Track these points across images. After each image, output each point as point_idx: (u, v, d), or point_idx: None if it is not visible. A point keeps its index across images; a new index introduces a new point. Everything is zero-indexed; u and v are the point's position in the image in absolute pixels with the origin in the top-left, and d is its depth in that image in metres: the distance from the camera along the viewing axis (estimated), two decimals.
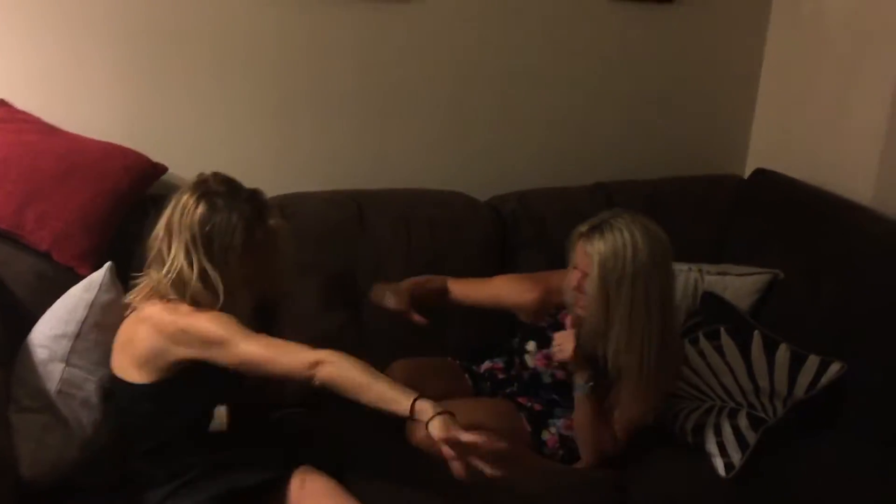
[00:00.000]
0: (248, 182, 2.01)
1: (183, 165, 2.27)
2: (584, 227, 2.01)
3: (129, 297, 1.88)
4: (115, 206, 2.16)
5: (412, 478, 1.93)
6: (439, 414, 1.66)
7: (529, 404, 2.18)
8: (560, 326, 2.13)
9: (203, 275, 1.78)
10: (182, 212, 1.79)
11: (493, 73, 2.68)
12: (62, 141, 2.21)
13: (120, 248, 2.11)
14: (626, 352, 1.98)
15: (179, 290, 1.80)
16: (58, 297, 1.97)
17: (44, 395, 1.88)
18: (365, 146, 2.61)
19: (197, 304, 1.79)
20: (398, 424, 1.99)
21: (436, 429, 1.65)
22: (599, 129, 2.85)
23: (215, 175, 1.86)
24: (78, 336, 1.93)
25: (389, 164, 2.64)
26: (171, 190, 1.95)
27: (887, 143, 2.48)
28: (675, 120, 2.93)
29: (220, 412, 1.87)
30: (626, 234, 1.94)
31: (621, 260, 1.93)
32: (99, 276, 2.00)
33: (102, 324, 1.95)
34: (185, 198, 1.81)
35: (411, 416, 1.68)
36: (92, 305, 1.95)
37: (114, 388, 1.90)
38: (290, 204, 2.37)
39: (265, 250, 1.85)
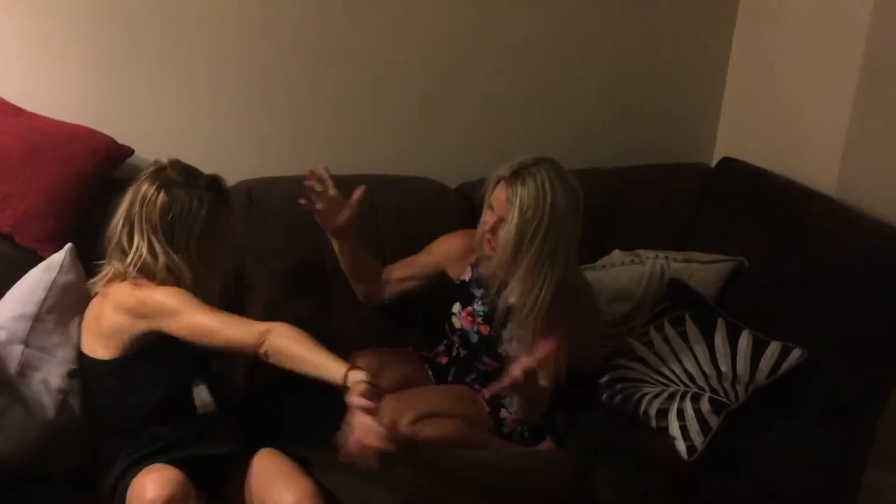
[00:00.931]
0: (215, 165, 2.02)
1: (149, 148, 2.25)
2: (505, 172, 2.02)
3: (92, 283, 1.89)
4: (79, 189, 2.14)
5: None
6: (365, 382, 1.67)
7: (480, 387, 2.20)
8: (482, 280, 2.17)
9: (168, 263, 1.81)
10: (142, 202, 1.82)
11: (464, 61, 2.68)
12: (26, 122, 2.19)
13: (85, 231, 2.09)
14: (520, 297, 2.01)
15: (146, 276, 1.83)
16: (19, 278, 1.96)
17: (2, 376, 1.86)
18: (334, 131, 2.61)
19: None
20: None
21: (352, 394, 1.66)
22: (568, 117, 2.85)
23: (173, 163, 1.88)
24: (37, 317, 1.92)
25: (359, 149, 2.63)
26: (136, 173, 1.96)
27: (849, 135, 2.50)
28: (644, 109, 2.94)
29: (203, 393, 1.89)
30: (547, 184, 1.98)
31: (540, 209, 1.96)
32: (59, 257, 1.99)
33: (62, 305, 1.94)
34: (144, 187, 1.83)
35: (344, 385, 1.68)
36: (51, 287, 1.95)
37: (83, 366, 1.91)
38: (258, 188, 2.37)
39: (227, 234, 1.87)
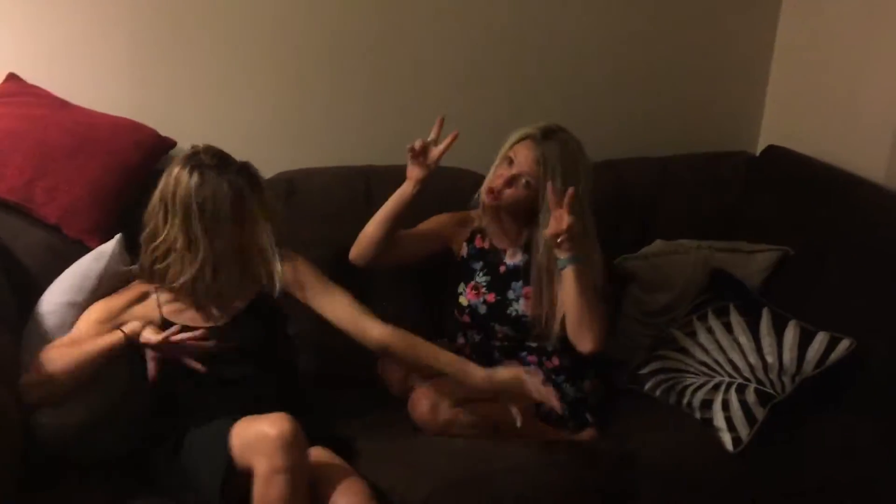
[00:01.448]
0: (255, 155, 2.04)
1: (191, 139, 2.22)
2: (533, 130, 2.09)
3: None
4: (124, 181, 2.17)
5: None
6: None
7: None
8: (479, 252, 2.23)
9: (193, 244, 1.84)
10: (175, 184, 1.84)
11: (501, 51, 2.67)
12: (72, 115, 2.21)
13: (130, 222, 2.11)
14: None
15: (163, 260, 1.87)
16: (66, 269, 1.98)
17: None
18: (372, 122, 2.61)
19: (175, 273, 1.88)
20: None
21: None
22: (611, 107, 2.83)
23: (206, 148, 1.90)
24: (87, 305, 1.94)
25: (397, 140, 2.61)
26: None
27: None
28: (687, 96, 2.91)
29: None
30: (575, 145, 2.11)
31: (576, 163, 2.08)
32: (109, 247, 2.02)
33: (110, 294, 1.97)
34: (176, 170, 1.86)
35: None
36: (102, 275, 1.98)
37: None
38: (298, 179, 2.38)
39: (255, 221, 1.89)
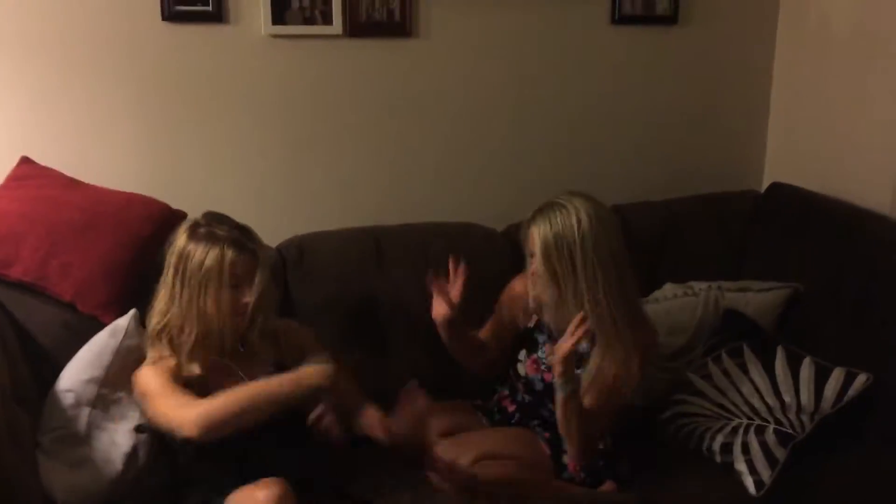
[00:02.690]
0: (266, 222, 2.10)
1: (202, 211, 2.31)
2: (531, 215, 2.04)
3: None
4: (136, 255, 2.20)
5: None
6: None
7: (542, 431, 2.17)
8: (546, 325, 2.15)
9: (177, 302, 1.89)
10: (169, 251, 1.93)
11: (503, 102, 2.72)
12: (83, 193, 2.26)
13: (143, 294, 2.14)
14: (591, 311, 1.96)
15: (159, 322, 1.93)
16: (82, 345, 2.02)
17: (71, 438, 1.92)
18: (378, 182, 2.66)
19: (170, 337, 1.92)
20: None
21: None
22: (613, 153, 2.86)
23: (207, 214, 1.97)
24: (104, 381, 1.98)
25: (403, 198, 2.67)
26: None
27: None
28: (690, 139, 2.94)
29: None
30: (569, 208, 1.99)
31: (568, 230, 1.97)
32: (124, 322, 2.06)
33: (127, 367, 2.00)
34: (175, 238, 1.94)
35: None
36: (117, 351, 2.01)
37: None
38: (308, 242, 2.41)
39: (241, 283, 1.90)
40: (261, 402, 1.84)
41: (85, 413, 1.95)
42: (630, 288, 2.05)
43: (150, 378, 1.91)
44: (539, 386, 2.18)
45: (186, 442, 1.86)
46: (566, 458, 2.12)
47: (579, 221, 1.97)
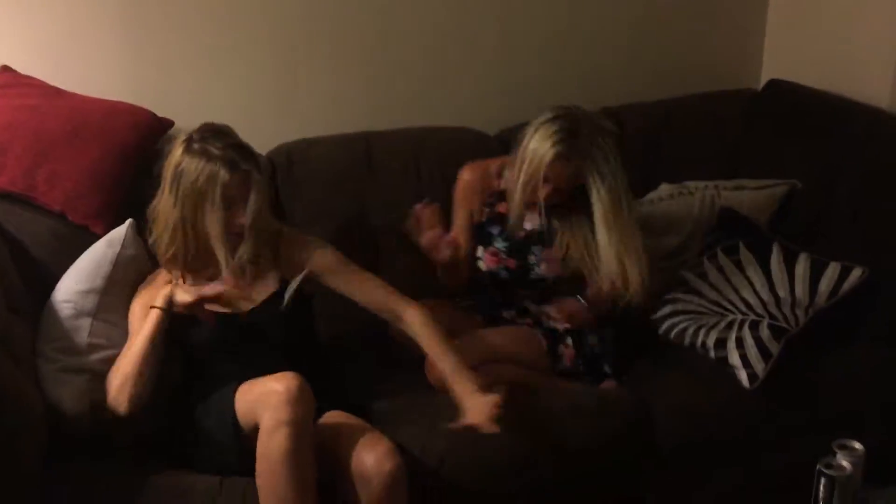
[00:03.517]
0: (254, 129, 2.04)
1: (189, 118, 2.24)
2: (559, 147, 2.01)
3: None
4: (124, 163, 2.18)
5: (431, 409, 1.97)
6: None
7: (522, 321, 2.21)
8: (498, 217, 2.19)
9: (172, 216, 1.86)
10: (167, 157, 1.88)
11: (493, 2, 2.64)
12: (67, 102, 2.22)
13: (132, 204, 2.13)
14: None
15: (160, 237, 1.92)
16: (74, 255, 2.01)
17: (73, 348, 1.91)
18: (370, 86, 2.59)
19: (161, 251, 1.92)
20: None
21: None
22: (606, 51, 2.79)
23: (205, 125, 1.90)
24: (104, 291, 1.97)
25: (396, 102, 2.62)
26: None
27: None
28: (686, 36, 2.86)
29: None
30: (601, 141, 2.04)
31: (609, 176, 2.03)
32: (121, 232, 2.05)
33: (126, 279, 2.00)
34: (174, 144, 1.89)
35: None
36: (116, 261, 2.00)
37: None
38: (298, 150, 2.38)
39: (232, 200, 1.85)
40: None
41: (86, 323, 1.94)
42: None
43: (132, 314, 1.95)
44: (504, 275, 2.20)
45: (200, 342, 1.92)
46: (561, 350, 2.14)
47: (610, 160, 2.03)
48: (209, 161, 1.83)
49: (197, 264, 1.94)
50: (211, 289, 1.89)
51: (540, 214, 2.12)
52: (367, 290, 2.00)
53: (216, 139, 1.86)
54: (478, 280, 2.25)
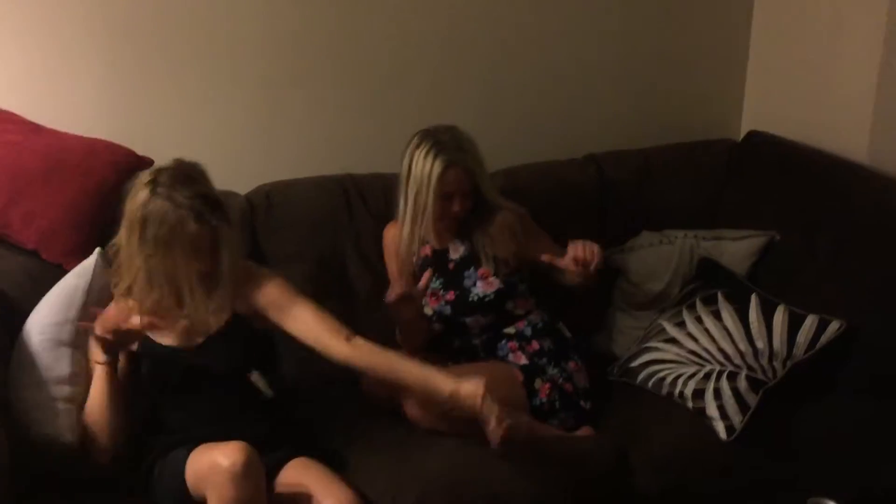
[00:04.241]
0: (233, 170, 2.04)
1: (169, 157, 2.24)
2: (442, 157, 2.11)
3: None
4: (101, 202, 2.16)
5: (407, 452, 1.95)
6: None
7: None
8: (426, 260, 2.25)
9: (135, 258, 1.80)
10: (130, 197, 1.82)
11: (479, 48, 2.66)
12: (46, 139, 2.21)
13: (108, 241, 2.10)
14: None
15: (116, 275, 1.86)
16: (46, 293, 1.98)
17: (57, 379, 1.89)
18: (351, 130, 2.60)
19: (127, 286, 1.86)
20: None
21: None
22: (590, 100, 2.81)
23: (170, 166, 1.85)
24: (81, 321, 1.94)
25: (378, 146, 2.62)
26: None
27: (878, 99, 2.44)
28: (667, 86, 2.89)
29: (258, 379, 1.91)
30: (462, 144, 2.17)
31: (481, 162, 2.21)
32: (90, 262, 2.03)
33: (103, 305, 1.95)
34: (138, 181, 1.83)
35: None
36: (89, 291, 1.98)
37: None
38: (276, 192, 2.37)
39: (198, 247, 1.79)
40: None
41: (66, 353, 1.92)
42: None
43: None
44: (448, 310, 2.21)
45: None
46: (538, 384, 2.14)
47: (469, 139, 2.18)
48: (176, 208, 1.76)
49: (160, 306, 1.88)
50: (131, 323, 1.84)
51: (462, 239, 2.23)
52: (299, 324, 1.89)
53: (184, 186, 1.78)
54: (430, 331, 2.25)
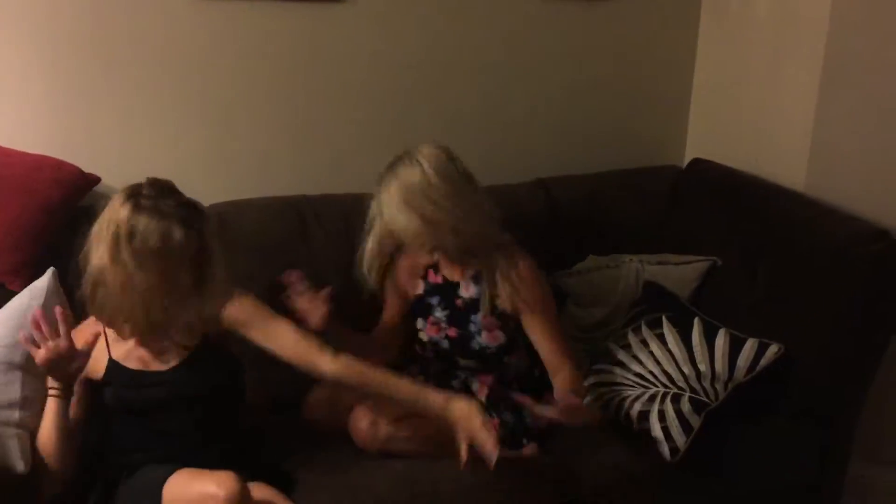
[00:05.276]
0: (183, 189, 1.99)
1: (115, 175, 2.24)
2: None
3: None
4: (45, 220, 2.13)
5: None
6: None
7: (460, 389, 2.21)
8: (435, 287, 2.22)
9: (118, 276, 1.76)
10: (109, 213, 1.78)
11: (430, 74, 2.69)
12: None
13: (52, 261, 2.07)
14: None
15: (94, 294, 1.79)
16: None
17: (8, 403, 1.85)
18: (303, 150, 2.60)
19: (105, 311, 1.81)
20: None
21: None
22: (539, 126, 2.86)
23: (150, 180, 1.82)
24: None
25: (329, 167, 2.63)
26: (103, 201, 1.92)
27: (815, 131, 2.52)
28: (614, 115, 2.95)
29: None
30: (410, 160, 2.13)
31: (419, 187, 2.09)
32: (43, 282, 2.00)
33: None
34: (115, 200, 1.80)
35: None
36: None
37: None
38: (228, 212, 2.35)
39: (183, 259, 1.79)
40: None
41: (18, 377, 1.88)
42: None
43: None
44: (445, 344, 2.21)
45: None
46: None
47: (420, 164, 2.10)
48: (163, 218, 1.74)
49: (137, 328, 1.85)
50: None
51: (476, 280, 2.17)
52: (282, 341, 1.91)
53: (167, 197, 1.79)
54: (420, 353, 2.27)
